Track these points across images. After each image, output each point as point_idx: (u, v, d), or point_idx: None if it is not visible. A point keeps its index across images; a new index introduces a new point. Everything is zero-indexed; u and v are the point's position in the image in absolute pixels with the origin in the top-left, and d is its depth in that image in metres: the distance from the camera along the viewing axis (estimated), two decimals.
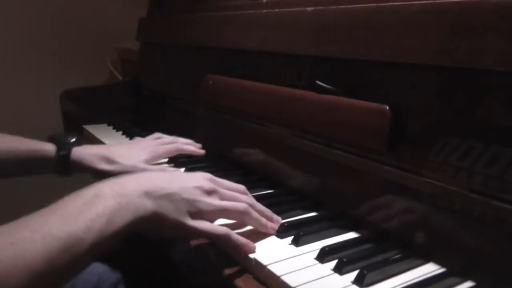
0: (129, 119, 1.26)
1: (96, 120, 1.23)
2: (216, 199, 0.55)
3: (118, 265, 0.78)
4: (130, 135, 1.10)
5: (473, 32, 0.47)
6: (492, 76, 0.46)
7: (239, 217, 0.57)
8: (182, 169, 0.83)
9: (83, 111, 1.24)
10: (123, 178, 0.51)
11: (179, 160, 0.86)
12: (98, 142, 1.07)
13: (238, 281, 0.50)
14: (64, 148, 0.79)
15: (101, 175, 0.77)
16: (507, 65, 0.44)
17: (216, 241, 0.53)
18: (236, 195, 0.58)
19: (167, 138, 0.88)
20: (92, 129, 1.16)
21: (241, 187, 0.61)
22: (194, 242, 0.58)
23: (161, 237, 0.52)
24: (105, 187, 0.49)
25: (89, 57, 1.57)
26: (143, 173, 0.54)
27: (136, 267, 0.81)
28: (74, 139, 0.80)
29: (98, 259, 0.50)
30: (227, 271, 0.52)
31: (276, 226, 0.59)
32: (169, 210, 0.50)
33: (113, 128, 1.18)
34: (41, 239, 0.41)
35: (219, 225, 0.55)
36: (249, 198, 0.59)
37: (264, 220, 0.58)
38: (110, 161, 0.77)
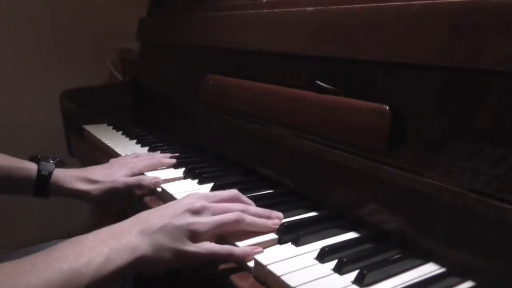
0: (129, 119, 1.26)
1: (96, 120, 1.23)
2: (208, 217, 0.55)
3: None
4: (130, 135, 1.10)
5: (473, 32, 0.47)
6: (492, 76, 0.46)
7: (235, 227, 0.57)
8: (182, 169, 0.83)
9: (83, 111, 1.24)
10: (118, 224, 0.52)
11: (178, 161, 0.86)
12: (98, 142, 1.07)
13: (238, 281, 0.50)
14: (45, 169, 0.77)
15: (82, 195, 0.77)
16: (507, 65, 0.44)
17: (221, 260, 0.53)
18: (227, 206, 0.58)
19: (145, 155, 0.88)
20: (92, 129, 1.16)
21: (233, 192, 0.61)
22: None
23: (167, 270, 0.53)
24: (104, 232, 0.50)
25: (89, 57, 1.57)
26: (134, 216, 0.54)
27: None
28: (56, 161, 0.80)
29: None
30: (227, 271, 0.52)
31: (278, 222, 0.59)
32: (165, 242, 0.51)
33: (113, 128, 1.18)
34: (44, 272, 0.43)
35: None
36: (241, 205, 0.59)
37: (260, 221, 0.58)
38: (90, 181, 0.77)
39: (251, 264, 0.52)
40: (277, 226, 0.58)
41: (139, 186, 0.77)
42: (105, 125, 1.22)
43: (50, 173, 0.77)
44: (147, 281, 0.79)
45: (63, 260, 0.45)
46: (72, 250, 0.47)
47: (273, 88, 0.74)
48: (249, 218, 0.57)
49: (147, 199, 0.74)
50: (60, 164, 0.80)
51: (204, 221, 0.54)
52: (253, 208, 0.60)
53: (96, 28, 1.59)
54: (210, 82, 0.90)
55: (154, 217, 0.53)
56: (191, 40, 1.04)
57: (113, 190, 0.77)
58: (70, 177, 0.78)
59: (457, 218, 0.50)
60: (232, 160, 0.87)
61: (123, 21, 1.51)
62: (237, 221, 0.56)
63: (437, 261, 0.52)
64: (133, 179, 0.78)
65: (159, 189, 0.75)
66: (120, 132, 1.14)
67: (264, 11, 0.80)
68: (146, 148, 0.99)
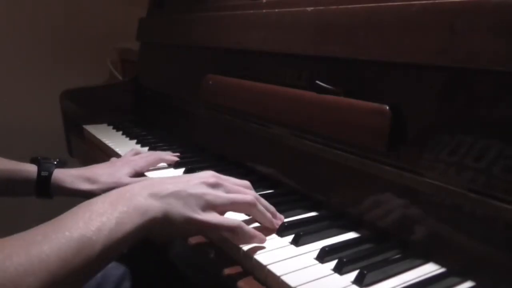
0: (129, 119, 1.26)
1: (96, 120, 1.23)
2: (222, 192, 0.55)
3: (121, 262, 0.78)
4: (130, 135, 1.10)
5: (473, 32, 0.47)
6: (492, 76, 0.46)
7: (247, 209, 0.57)
8: (182, 169, 0.83)
9: (83, 111, 1.24)
10: (129, 186, 0.52)
11: (179, 161, 0.86)
12: (98, 142, 1.07)
13: (238, 281, 0.50)
14: (46, 169, 0.77)
15: (84, 196, 0.75)
16: (507, 65, 0.44)
17: (229, 233, 0.53)
18: (241, 188, 0.58)
19: (146, 152, 0.88)
20: (92, 129, 1.16)
21: (246, 182, 0.61)
22: (192, 240, 0.59)
23: (174, 236, 0.53)
24: (113, 195, 0.50)
25: (89, 57, 1.57)
26: (146, 179, 0.54)
27: (140, 264, 0.81)
28: (56, 161, 0.79)
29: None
30: (227, 271, 0.52)
31: (279, 222, 0.59)
32: (177, 207, 0.50)
33: (113, 128, 1.18)
34: (56, 241, 0.43)
35: None
36: (254, 192, 0.59)
37: (269, 214, 0.58)
38: (92, 180, 0.76)
39: (251, 264, 0.52)
40: (277, 227, 0.58)
41: None
42: (105, 125, 1.22)
43: (50, 174, 0.76)
44: (146, 282, 0.79)
45: (73, 227, 0.44)
46: (82, 216, 0.46)
47: (273, 88, 0.74)
48: (261, 207, 0.57)
49: None
50: (61, 164, 0.80)
51: (219, 194, 0.54)
52: (264, 200, 0.60)
53: (96, 28, 1.59)
54: (210, 82, 0.90)
55: (167, 183, 0.53)
56: (191, 40, 1.04)
57: None
58: (72, 177, 0.77)
59: (457, 218, 0.50)
60: (232, 160, 0.87)
61: (123, 21, 1.51)
62: (251, 205, 0.56)
63: (437, 261, 0.52)
64: (136, 180, 0.77)
65: None
66: (120, 132, 1.14)
67: (264, 11, 0.80)
68: (146, 148, 0.99)
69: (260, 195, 0.70)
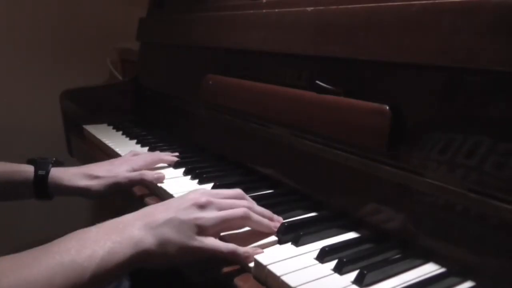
0: (129, 119, 1.26)
1: (96, 120, 1.23)
2: (214, 211, 0.54)
3: None
4: (130, 135, 1.10)
5: (473, 32, 0.47)
6: (492, 76, 0.46)
7: (241, 223, 0.56)
8: (182, 169, 0.83)
9: (83, 111, 1.24)
10: (122, 217, 0.52)
11: (179, 161, 0.86)
12: (98, 142, 1.07)
13: (238, 281, 0.50)
14: (42, 168, 0.76)
15: (84, 192, 0.75)
16: (507, 65, 0.44)
17: (224, 258, 0.53)
18: (233, 201, 0.57)
19: (145, 153, 0.88)
20: (92, 129, 1.16)
21: (238, 191, 0.61)
22: None
23: (170, 265, 0.52)
24: (107, 225, 0.50)
25: (89, 57, 1.57)
26: (139, 210, 0.54)
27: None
28: (53, 161, 0.78)
29: None
30: (227, 271, 0.52)
31: (277, 225, 0.59)
32: (170, 236, 0.50)
33: (113, 128, 1.18)
34: (45, 265, 0.43)
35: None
36: (247, 202, 0.59)
37: (265, 221, 0.58)
38: (90, 176, 0.75)
39: (251, 264, 0.52)
40: (276, 229, 0.58)
41: (142, 181, 0.76)
42: (105, 125, 1.22)
43: (47, 172, 0.75)
44: (145, 283, 0.79)
45: (65, 253, 0.45)
46: (75, 243, 0.46)
47: (273, 88, 0.74)
48: (255, 216, 0.57)
49: (147, 199, 0.74)
50: (58, 164, 0.79)
51: (210, 216, 0.53)
52: (258, 207, 0.60)
53: (96, 28, 1.59)
54: (210, 82, 0.90)
55: (159, 211, 0.52)
56: (191, 40, 1.04)
57: (115, 185, 0.75)
58: (69, 174, 0.76)
59: (457, 218, 0.50)
60: (232, 160, 0.87)
61: (123, 21, 1.51)
62: (244, 217, 0.56)
63: (437, 261, 0.52)
64: (135, 174, 0.76)
65: (160, 185, 0.75)
66: (120, 132, 1.14)
67: (264, 11, 0.80)
68: (146, 148, 0.99)
69: (260, 195, 0.70)
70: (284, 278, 0.48)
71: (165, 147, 0.98)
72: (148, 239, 0.49)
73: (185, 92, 1.05)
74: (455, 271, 0.50)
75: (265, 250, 0.54)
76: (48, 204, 0.81)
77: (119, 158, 0.85)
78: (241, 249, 0.53)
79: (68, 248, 0.45)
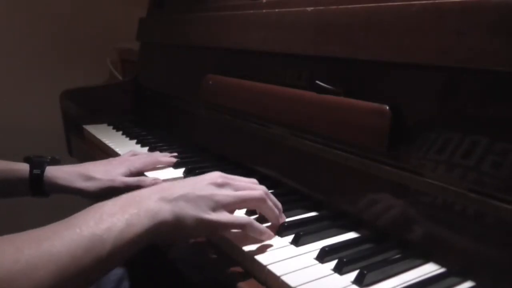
0: (129, 119, 1.26)
1: (96, 120, 1.23)
2: (230, 191, 0.55)
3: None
4: (130, 135, 1.10)
5: (473, 32, 0.47)
6: (492, 76, 0.46)
7: (257, 205, 0.57)
8: (182, 170, 0.83)
9: (83, 111, 1.24)
10: (139, 190, 0.52)
11: (178, 160, 0.86)
12: (98, 142, 1.07)
13: (238, 281, 0.50)
14: (38, 166, 0.75)
15: (79, 193, 0.75)
16: (507, 65, 0.44)
17: (239, 229, 0.54)
18: (249, 184, 0.58)
19: (143, 153, 0.88)
20: (92, 129, 1.16)
21: (253, 179, 0.61)
22: (192, 240, 0.59)
23: (185, 238, 0.53)
24: (123, 198, 0.50)
25: (89, 57, 1.57)
26: (156, 185, 0.54)
27: (138, 264, 0.81)
28: (49, 159, 0.78)
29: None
30: (227, 271, 0.52)
31: (282, 221, 0.59)
32: (187, 209, 0.51)
33: (113, 128, 1.18)
34: (67, 237, 0.43)
35: None
36: (263, 187, 0.59)
37: (277, 211, 0.58)
38: (86, 177, 0.75)
39: (251, 264, 0.52)
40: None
41: (139, 187, 0.76)
42: (105, 125, 1.22)
43: (43, 171, 0.75)
44: (145, 283, 0.79)
45: (84, 226, 0.45)
46: (93, 216, 0.47)
47: (273, 88, 0.74)
48: (270, 203, 0.57)
49: None
50: (54, 162, 0.78)
51: (227, 193, 0.54)
52: (273, 196, 0.60)
53: (96, 28, 1.59)
54: (210, 82, 0.90)
55: (176, 186, 0.53)
56: (191, 40, 1.04)
57: (111, 189, 0.75)
58: (65, 173, 0.76)
59: (457, 218, 0.50)
60: (232, 160, 0.87)
61: (123, 21, 1.51)
62: (260, 200, 0.56)
63: (437, 261, 0.52)
64: (132, 180, 0.76)
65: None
66: (120, 132, 1.14)
67: (264, 11, 0.80)
68: (146, 148, 0.99)
69: None
70: (284, 278, 0.48)
71: (165, 147, 0.98)
72: (165, 211, 0.49)
73: (185, 92, 1.05)
74: (455, 271, 0.50)
75: (265, 250, 0.54)
76: (49, 204, 0.81)
77: (117, 158, 0.84)
78: (256, 223, 0.54)
79: (87, 221, 0.46)
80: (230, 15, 0.91)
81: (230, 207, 0.54)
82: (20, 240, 0.43)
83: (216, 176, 0.57)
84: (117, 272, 0.77)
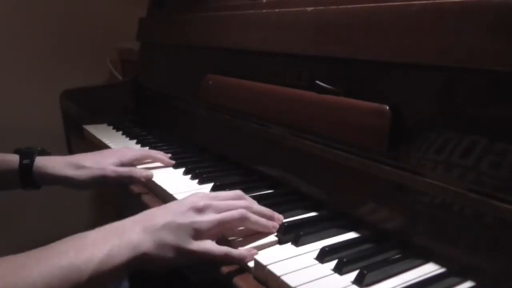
0: (129, 119, 1.26)
1: (96, 120, 1.23)
2: (211, 214, 0.54)
3: None
4: (130, 135, 1.10)
5: (473, 32, 0.47)
6: (492, 76, 0.46)
7: (239, 225, 0.57)
8: (182, 169, 0.83)
9: (83, 111, 1.24)
10: (121, 221, 0.52)
11: (178, 160, 0.86)
12: (98, 142, 1.07)
13: (238, 281, 0.50)
14: (27, 157, 0.75)
15: (69, 182, 0.74)
16: (507, 65, 0.44)
17: (219, 261, 0.53)
18: (231, 203, 0.57)
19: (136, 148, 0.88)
20: (92, 129, 1.16)
21: (237, 192, 0.61)
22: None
23: (168, 268, 0.53)
24: (106, 228, 0.51)
25: (89, 57, 1.57)
26: (139, 213, 0.54)
27: None
28: (39, 150, 0.78)
29: None
30: (227, 271, 0.52)
31: (277, 225, 0.59)
32: (168, 239, 0.51)
33: (113, 128, 1.18)
34: (44, 267, 0.44)
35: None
36: (246, 202, 0.59)
37: (263, 221, 0.58)
38: (76, 166, 0.74)
39: (251, 264, 0.52)
40: (275, 230, 0.58)
41: (130, 177, 0.76)
42: (105, 125, 1.22)
43: (32, 161, 0.75)
44: (144, 283, 0.79)
45: (63, 255, 0.45)
46: (73, 245, 0.47)
47: (273, 88, 0.74)
48: (253, 217, 0.57)
49: (145, 198, 0.74)
50: (44, 153, 0.78)
51: (207, 219, 0.54)
52: (257, 206, 0.60)
53: (96, 28, 1.59)
54: (210, 82, 0.90)
55: (158, 215, 0.53)
56: (191, 40, 1.04)
57: (101, 177, 0.75)
58: (55, 162, 0.75)
59: (457, 218, 0.50)
60: (232, 160, 0.87)
61: (123, 21, 1.50)
62: (241, 219, 0.56)
63: (437, 261, 0.52)
64: (123, 170, 0.76)
65: (160, 184, 0.74)
66: (120, 132, 1.14)
67: (264, 11, 0.80)
68: (146, 148, 0.99)
69: (260, 195, 0.70)
70: (284, 278, 0.48)
71: (165, 147, 0.98)
72: (146, 243, 0.49)
73: (185, 92, 1.05)
74: (455, 271, 0.50)
75: (265, 250, 0.54)
76: (48, 204, 0.81)
77: (108, 150, 0.84)
78: (235, 252, 0.53)
79: (66, 250, 0.46)
80: (230, 15, 0.91)
81: (211, 232, 0.54)
82: (1, 266, 0.43)
83: (197, 199, 0.56)
84: None
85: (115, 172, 0.75)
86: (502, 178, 0.45)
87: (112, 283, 0.48)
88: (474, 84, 0.48)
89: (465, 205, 0.49)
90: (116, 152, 0.81)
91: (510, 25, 0.44)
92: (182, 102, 1.07)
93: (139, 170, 0.77)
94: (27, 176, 0.75)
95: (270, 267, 0.49)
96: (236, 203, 0.58)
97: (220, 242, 0.55)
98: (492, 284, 0.47)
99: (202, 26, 1.00)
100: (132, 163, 0.81)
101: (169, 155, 0.88)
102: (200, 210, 0.54)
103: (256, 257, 0.52)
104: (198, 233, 0.52)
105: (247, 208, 0.57)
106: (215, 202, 0.56)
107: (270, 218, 0.59)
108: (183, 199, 0.57)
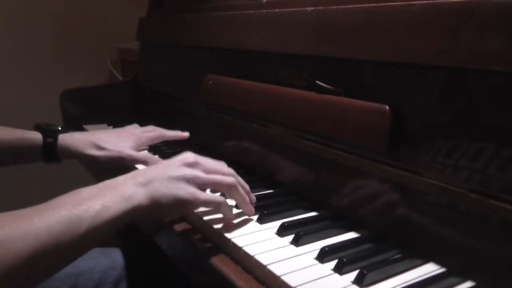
0: (129, 119, 1.26)
1: (96, 120, 1.23)
2: (201, 172, 0.57)
3: (119, 263, 0.78)
4: None
5: (473, 32, 0.47)
6: (492, 76, 0.46)
7: (227, 190, 0.59)
8: None
9: (83, 111, 1.24)
10: (114, 179, 0.55)
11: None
12: None
13: (238, 281, 0.50)
14: (50, 135, 0.80)
15: (89, 160, 0.80)
16: (507, 65, 0.44)
17: (213, 207, 0.57)
18: (220, 167, 0.60)
19: (147, 126, 0.92)
20: (92, 129, 1.16)
21: (222, 162, 0.63)
22: (192, 239, 0.59)
23: (163, 217, 0.56)
24: (100, 186, 0.53)
25: (89, 57, 1.57)
26: (132, 171, 0.57)
27: (137, 264, 0.81)
28: (60, 127, 0.83)
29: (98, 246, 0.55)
30: (227, 271, 0.52)
31: (253, 209, 0.61)
32: (162, 189, 0.53)
33: (113, 128, 1.18)
34: (46, 216, 0.46)
35: None
36: (233, 172, 0.61)
37: (247, 198, 0.60)
38: (98, 147, 0.80)
39: (251, 263, 0.52)
40: (252, 213, 0.61)
41: (145, 163, 0.80)
42: (105, 125, 1.22)
43: (56, 139, 0.80)
44: (144, 283, 0.80)
45: (63, 207, 0.47)
46: (70, 199, 0.49)
47: (273, 88, 0.74)
48: (241, 190, 0.59)
49: None
50: (65, 130, 0.83)
51: (199, 174, 0.56)
52: (241, 179, 0.62)
53: (96, 28, 1.59)
54: (210, 82, 0.90)
55: (149, 171, 0.56)
56: (191, 40, 1.04)
57: (118, 160, 0.80)
58: (78, 141, 0.81)
59: (457, 217, 0.50)
60: (232, 160, 0.87)
61: (123, 21, 1.51)
62: (232, 187, 0.58)
63: (437, 261, 0.52)
64: (140, 155, 0.81)
65: None
66: None
67: (264, 11, 0.80)
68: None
69: (260, 195, 0.70)
70: (284, 278, 0.47)
71: (165, 147, 0.98)
72: (139, 195, 0.52)
73: (185, 92, 1.05)
74: (455, 271, 0.50)
75: (265, 250, 0.54)
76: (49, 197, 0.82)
77: (125, 130, 0.88)
78: (228, 205, 0.58)
79: (64, 203, 0.48)
80: (230, 15, 0.91)
81: (202, 186, 0.56)
82: (1, 218, 0.45)
83: (187, 156, 0.58)
84: (115, 273, 0.77)
85: (131, 156, 0.81)
86: (502, 178, 0.45)
87: (110, 233, 0.50)
88: (474, 84, 0.48)
89: (465, 205, 0.49)
90: (134, 134, 0.86)
91: (510, 25, 0.44)
92: (182, 102, 1.07)
93: (154, 158, 0.82)
94: (50, 153, 0.81)
95: (270, 267, 0.49)
96: (224, 170, 0.60)
97: (218, 241, 0.55)
98: (492, 284, 0.47)
99: (202, 26, 1.00)
100: (147, 145, 0.87)
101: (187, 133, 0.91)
102: (190, 164, 0.57)
103: (256, 256, 0.52)
104: (191, 184, 0.55)
105: (235, 177, 0.60)
106: (204, 161, 0.59)
107: (248, 193, 0.62)
108: (173, 157, 0.60)
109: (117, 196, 0.51)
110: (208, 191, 0.63)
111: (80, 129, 1.19)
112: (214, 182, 0.57)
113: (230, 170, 0.61)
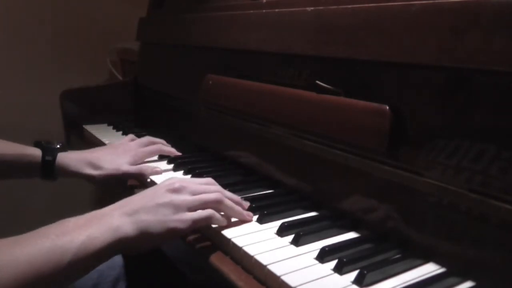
0: (129, 119, 1.26)
1: (96, 120, 1.23)
2: (187, 195, 0.57)
3: (117, 262, 0.78)
4: None
5: (473, 32, 0.47)
6: (492, 76, 0.46)
7: (215, 206, 0.59)
8: (181, 171, 0.83)
9: (83, 111, 1.24)
10: (100, 209, 0.54)
11: (178, 161, 0.86)
12: (98, 142, 1.07)
13: (238, 281, 0.50)
14: (49, 153, 0.81)
15: (86, 179, 0.81)
16: (507, 65, 0.44)
17: (205, 223, 0.56)
18: (206, 187, 0.60)
19: (143, 139, 0.91)
20: (92, 129, 1.16)
21: (209, 179, 0.64)
22: (191, 240, 0.59)
23: (152, 247, 0.54)
24: (87, 216, 0.52)
25: (89, 57, 1.57)
26: (119, 201, 0.56)
27: (135, 264, 0.81)
28: (59, 145, 0.83)
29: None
30: (226, 270, 0.52)
31: (251, 213, 0.61)
32: (148, 219, 0.53)
33: (113, 128, 1.18)
34: (27, 247, 0.45)
35: None
36: (218, 187, 0.62)
37: (236, 207, 0.60)
38: (95, 166, 0.80)
39: (251, 263, 0.52)
40: (250, 218, 0.61)
41: (140, 175, 0.80)
42: (105, 125, 1.22)
43: (55, 158, 0.80)
44: (144, 284, 0.80)
45: (46, 237, 0.47)
46: (55, 230, 0.49)
47: (273, 88, 0.74)
48: (228, 201, 0.59)
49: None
50: (64, 148, 0.83)
51: (185, 198, 0.56)
52: (228, 192, 0.62)
53: (96, 28, 1.59)
54: (210, 82, 0.90)
55: (135, 200, 0.55)
56: (191, 40, 1.04)
57: (115, 177, 0.80)
58: (75, 160, 0.81)
59: (457, 218, 0.50)
60: (232, 160, 0.87)
61: (123, 21, 1.50)
62: (218, 201, 0.58)
63: (437, 261, 0.52)
64: (134, 168, 0.81)
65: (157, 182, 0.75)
66: (120, 132, 1.14)
67: (264, 11, 0.80)
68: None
69: (260, 195, 0.71)
70: (284, 278, 0.48)
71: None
72: (126, 226, 0.51)
73: (185, 92, 1.05)
74: (455, 271, 0.50)
75: (265, 250, 0.54)
76: (49, 203, 0.82)
77: (121, 145, 0.88)
78: (217, 215, 0.58)
79: (48, 234, 0.48)
80: (230, 15, 0.91)
81: (191, 210, 0.56)
82: None
83: (172, 181, 0.58)
84: (114, 273, 0.77)
85: (127, 171, 0.81)
86: (502, 178, 0.45)
87: (94, 266, 0.50)
88: (474, 84, 0.48)
89: (466, 205, 0.49)
90: (131, 150, 0.86)
91: (510, 25, 0.44)
92: (182, 102, 1.07)
93: (148, 169, 0.81)
94: (48, 171, 0.81)
95: (270, 267, 0.49)
96: (210, 187, 0.60)
97: (218, 241, 0.55)
98: (492, 284, 0.47)
99: (202, 26, 1.00)
100: (143, 160, 0.86)
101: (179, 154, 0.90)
102: (176, 190, 0.56)
103: (256, 257, 0.52)
104: (179, 209, 0.55)
105: (219, 191, 0.60)
106: (189, 185, 0.58)
107: (239, 203, 0.62)
108: (158, 184, 0.60)
109: (103, 227, 0.50)
110: None
111: (80, 129, 1.19)
112: (201, 202, 0.57)
113: (216, 187, 0.62)
